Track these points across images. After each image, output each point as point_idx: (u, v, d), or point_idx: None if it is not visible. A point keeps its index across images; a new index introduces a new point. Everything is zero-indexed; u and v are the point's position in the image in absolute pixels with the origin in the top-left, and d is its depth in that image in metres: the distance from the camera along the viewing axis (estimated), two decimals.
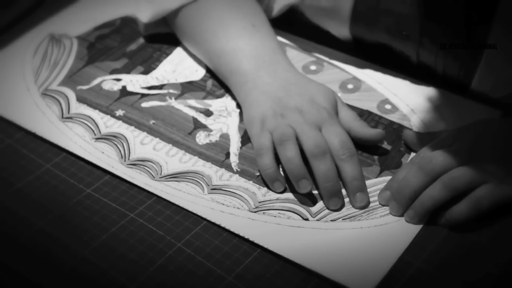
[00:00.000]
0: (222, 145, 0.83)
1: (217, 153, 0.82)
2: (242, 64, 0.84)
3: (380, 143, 0.80)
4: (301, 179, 0.74)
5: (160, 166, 0.80)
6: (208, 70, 0.91)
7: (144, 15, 0.92)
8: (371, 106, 0.86)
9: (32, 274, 0.71)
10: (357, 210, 0.75)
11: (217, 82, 0.90)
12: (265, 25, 0.88)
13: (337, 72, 0.90)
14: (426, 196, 0.72)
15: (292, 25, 0.94)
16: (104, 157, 0.81)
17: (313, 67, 0.91)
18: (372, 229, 0.73)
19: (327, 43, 0.93)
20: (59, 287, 0.71)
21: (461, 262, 0.71)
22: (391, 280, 0.69)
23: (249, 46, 0.84)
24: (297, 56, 0.92)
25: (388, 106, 0.86)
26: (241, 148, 0.82)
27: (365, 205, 0.75)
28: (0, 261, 0.72)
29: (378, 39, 0.88)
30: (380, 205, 0.75)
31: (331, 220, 0.74)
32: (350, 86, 0.89)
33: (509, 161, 0.73)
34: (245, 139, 0.83)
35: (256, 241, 0.72)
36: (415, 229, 0.73)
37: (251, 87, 0.82)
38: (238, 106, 0.86)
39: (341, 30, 0.90)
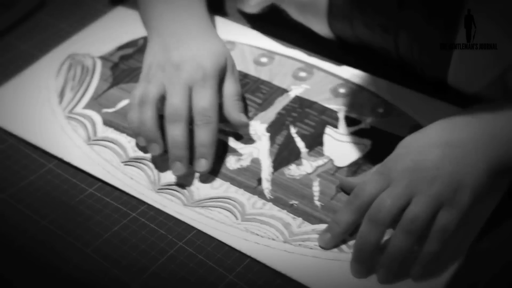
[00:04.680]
0: (253, 171, 0.82)
1: (248, 179, 0.81)
2: (155, 10, 0.88)
3: (242, 130, 0.83)
4: (151, 143, 0.77)
5: (192, 192, 0.80)
6: None
7: None
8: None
9: (26, 278, 0.72)
10: None
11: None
12: None
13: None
14: (394, 249, 0.69)
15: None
16: (133, 183, 0.80)
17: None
18: None
19: (318, 44, 0.95)
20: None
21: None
22: None
23: None
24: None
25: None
26: (273, 173, 0.82)
27: (205, 171, 0.78)
28: None
29: (358, 34, 0.89)
30: None
31: None
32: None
33: (449, 174, 0.70)
34: (277, 163, 0.82)
35: (293, 277, 0.71)
36: (456, 262, 0.72)
37: (153, 31, 0.86)
38: (267, 129, 0.86)
39: (322, 27, 0.92)
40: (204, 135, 0.77)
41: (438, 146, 0.72)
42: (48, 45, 0.97)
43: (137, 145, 0.83)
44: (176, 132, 0.77)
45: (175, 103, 0.78)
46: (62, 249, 0.74)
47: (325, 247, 0.74)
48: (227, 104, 0.82)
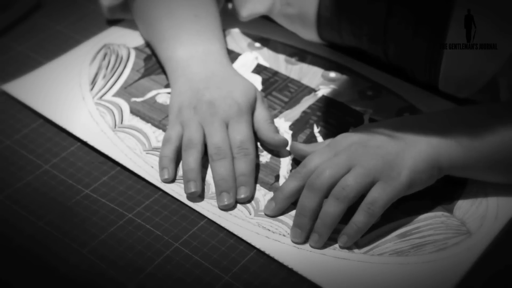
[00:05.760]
0: (272, 167, 0.82)
1: (266, 175, 0.81)
2: (176, 51, 0.89)
3: (283, 149, 0.83)
4: (190, 181, 0.78)
5: (209, 184, 0.80)
6: (263, 89, 0.91)
7: None
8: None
9: (23, 279, 0.72)
10: (405, 246, 0.73)
11: (272, 102, 0.89)
12: (208, 16, 0.93)
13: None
14: (324, 214, 0.73)
15: None
16: (153, 172, 0.81)
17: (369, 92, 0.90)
18: (420, 266, 0.71)
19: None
20: None
21: None
22: None
23: (186, 35, 0.90)
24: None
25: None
26: (291, 171, 0.81)
27: (247, 198, 0.78)
28: None
29: (347, 43, 0.91)
30: (428, 242, 0.73)
31: (378, 254, 0.73)
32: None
33: (389, 154, 0.73)
34: (296, 161, 0.82)
35: (300, 272, 0.71)
36: (464, 267, 0.71)
37: (179, 74, 0.87)
38: (291, 127, 0.86)
39: (312, 36, 0.93)
40: (244, 166, 0.79)
41: (387, 133, 0.76)
42: (44, 46, 0.98)
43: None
44: (222, 169, 0.78)
45: (217, 142, 0.80)
46: (58, 250, 0.74)
47: (270, 214, 0.76)
48: (262, 128, 0.84)
